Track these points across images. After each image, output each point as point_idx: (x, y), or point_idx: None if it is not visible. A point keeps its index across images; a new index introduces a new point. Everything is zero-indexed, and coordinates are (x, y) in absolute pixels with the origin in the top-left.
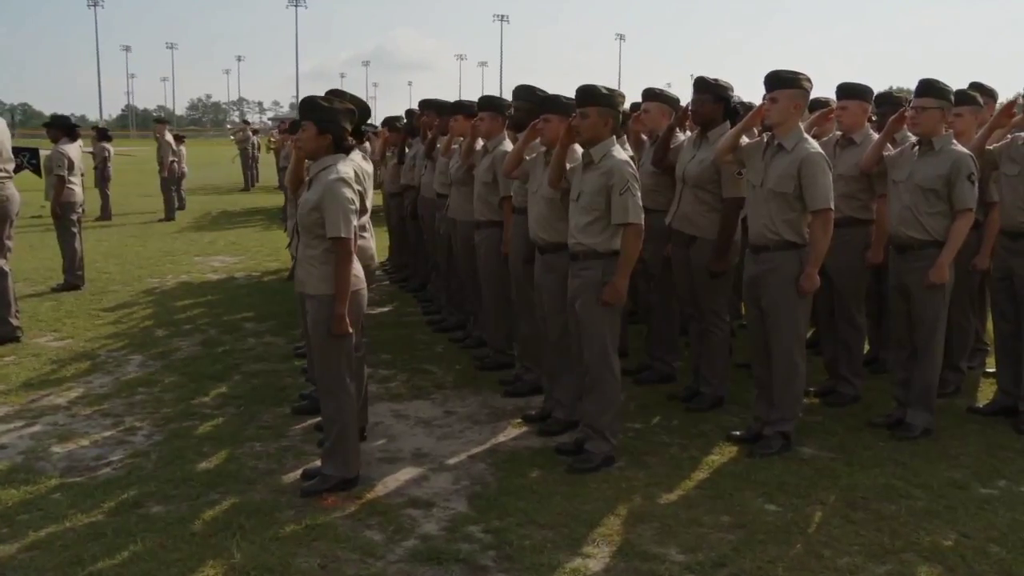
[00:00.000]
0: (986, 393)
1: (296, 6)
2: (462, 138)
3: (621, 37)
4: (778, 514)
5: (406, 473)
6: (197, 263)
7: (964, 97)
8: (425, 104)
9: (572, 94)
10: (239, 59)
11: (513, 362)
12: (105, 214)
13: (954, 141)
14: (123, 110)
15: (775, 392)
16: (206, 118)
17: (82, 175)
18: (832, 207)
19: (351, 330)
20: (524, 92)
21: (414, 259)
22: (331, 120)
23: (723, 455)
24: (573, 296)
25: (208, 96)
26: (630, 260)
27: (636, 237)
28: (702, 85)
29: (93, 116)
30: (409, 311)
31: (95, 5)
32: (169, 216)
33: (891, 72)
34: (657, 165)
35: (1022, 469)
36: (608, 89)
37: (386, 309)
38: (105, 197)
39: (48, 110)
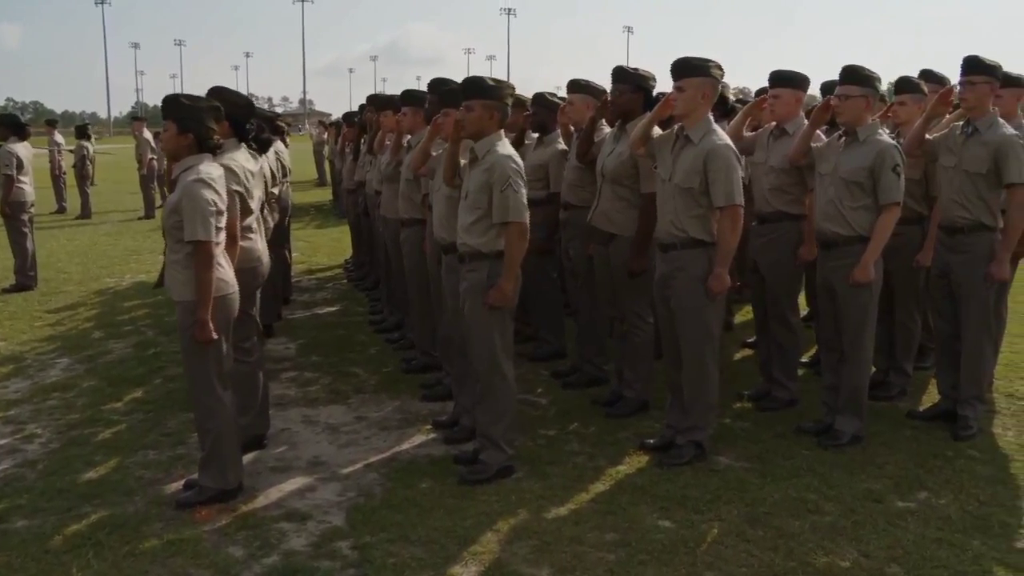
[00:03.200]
0: (933, 395)
1: (303, 1)
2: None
3: (629, 30)
4: (670, 531)
5: (294, 483)
6: (160, 262)
7: (907, 85)
8: (369, 99)
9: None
10: (247, 55)
11: (440, 364)
12: (84, 212)
13: (881, 131)
14: (133, 107)
15: (686, 398)
16: None
17: (64, 173)
18: (739, 203)
19: (215, 336)
20: (436, 85)
21: (369, 257)
22: (193, 118)
23: (631, 465)
24: (462, 299)
25: None
26: (514, 261)
27: (519, 237)
28: (620, 74)
29: (103, 113)
30: (358, 311)
31: (103, 3)
32: (148, 214)
33: (913, 69)
34: (581, 159)
35: (948, 479)
36: (495, 81)
37: (333, 309)
38: (84, 195)
39: (59, 108)
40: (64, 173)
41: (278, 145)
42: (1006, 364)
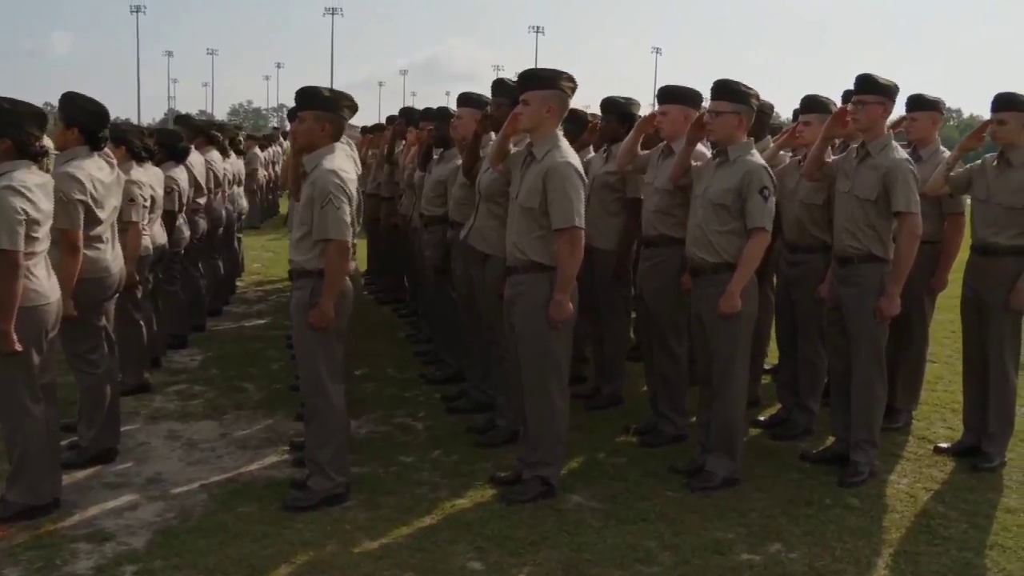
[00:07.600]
0: None
1: (332, 15)
2: None
3: (658, 51)
4: (474, 574)
5: (119, 501)
6: None
7: (813, 104)
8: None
9: (604, 106)
10: (279, 65)
11: None
12: None
13: (752, 151)
14: (166, 114)
15: (531, 431)
16: (247, 123)
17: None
18: (579, 225)
19: (18, 348)
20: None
21: None
22: (11, 124)
23: (471, 500)
24: (291, 318)
25: (249, 102)
26: (334, 280)
27: (337, 255)
28: (498, 88)
29: (135, 119)
30: (285, 324)
31: (137, 11)
32: None
33: (947, 96)
34: (466, 176)
35: (810, 531)
36: (331, 91)
37: (262, 321)
38: None
39: None
40: None
41: (212, 155)
42: (933, 404)
